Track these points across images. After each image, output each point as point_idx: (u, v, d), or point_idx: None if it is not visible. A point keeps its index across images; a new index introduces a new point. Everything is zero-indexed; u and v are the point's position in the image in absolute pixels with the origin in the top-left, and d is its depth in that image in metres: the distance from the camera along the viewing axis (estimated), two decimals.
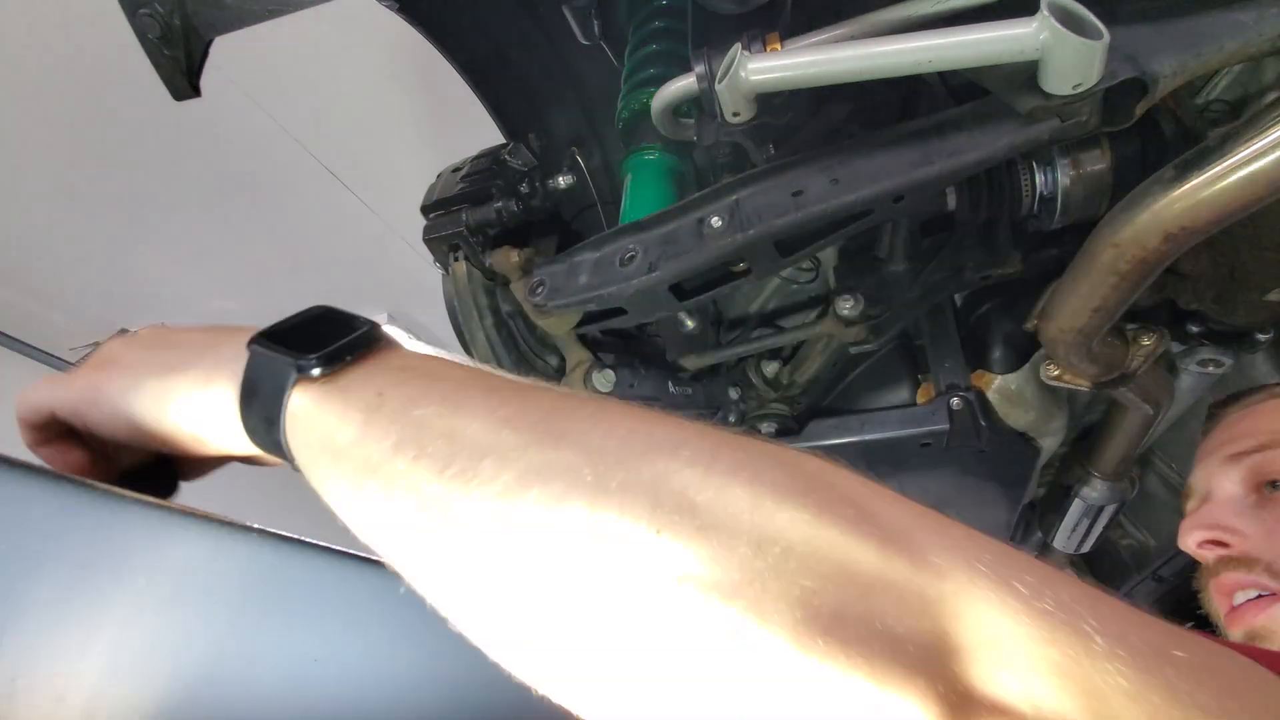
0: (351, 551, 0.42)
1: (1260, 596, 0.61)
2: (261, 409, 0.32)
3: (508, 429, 0.29)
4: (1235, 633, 0.62)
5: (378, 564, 0.44)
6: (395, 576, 0.45)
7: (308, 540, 0.40)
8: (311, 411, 0.31)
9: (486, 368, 0.35)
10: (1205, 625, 0.68)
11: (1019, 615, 0.25)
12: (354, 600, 0.41)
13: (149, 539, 0.30)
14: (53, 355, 4.60)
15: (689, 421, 0.30)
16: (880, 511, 0.28)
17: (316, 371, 0.31)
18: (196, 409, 0.35)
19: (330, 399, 0.31)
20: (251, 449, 0.34)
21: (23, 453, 0.26)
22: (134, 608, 0.29)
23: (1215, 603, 0.67)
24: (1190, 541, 0.68)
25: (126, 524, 0.29)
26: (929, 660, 0.24)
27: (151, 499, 0.30)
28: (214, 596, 0.32)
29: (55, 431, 0.39)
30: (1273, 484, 0.65)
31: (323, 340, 0.32)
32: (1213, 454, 0.72)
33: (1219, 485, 0.69)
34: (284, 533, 0.37)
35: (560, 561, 0.26)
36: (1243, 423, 0.72)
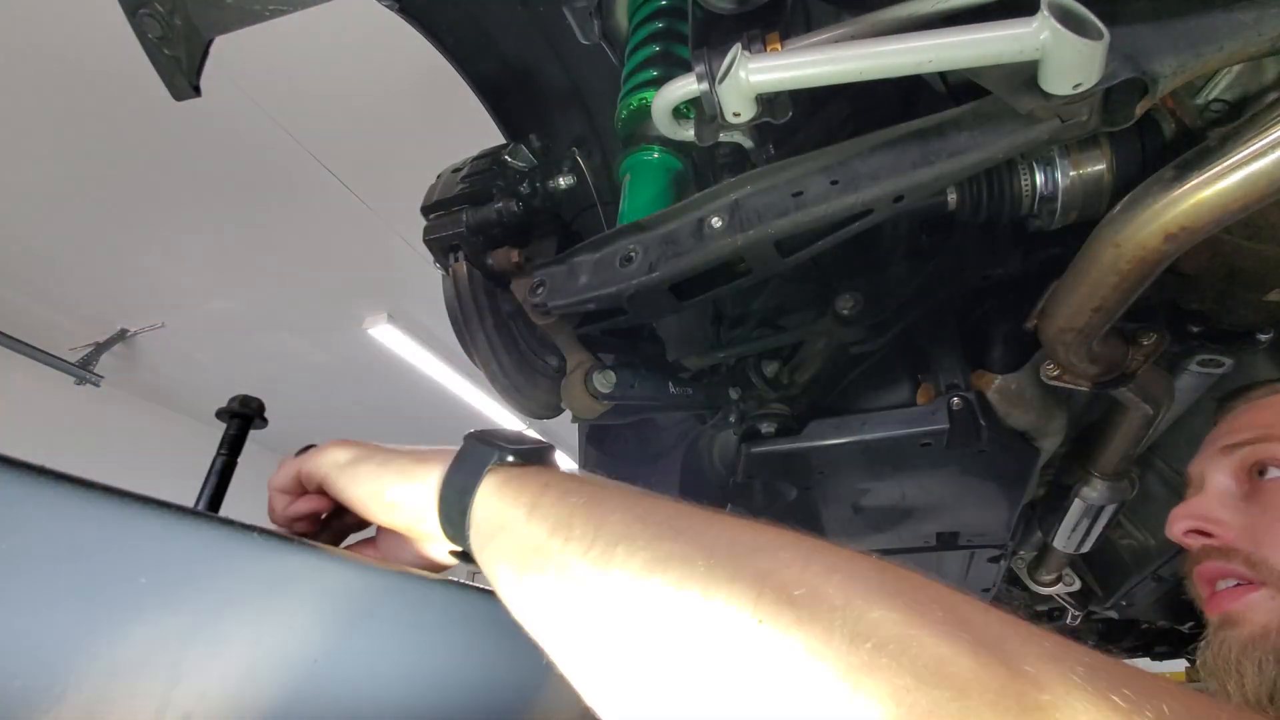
0: (348, 553, 0.42)
1: (1238, 585, 0.64)
2: (462, 480, 0.43)
3: (639, 523, 0.35)
4: (1213, 617, 0.65)
5: (379, 564, 0.44)
6: (395, 578, 0.45)
7: (307, 541, 0.40)
8: (498, 491, 0.41)
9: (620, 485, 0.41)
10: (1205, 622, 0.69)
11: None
12: (353, 600, 0.41)
13: (149, 539, 0.30)
14: (53, 355, 4.60)
15: (788, 529, 0.34)
16: (972, 617, 0.29)
17: (511, 459, 0.42)
18: (414, 476, 0.46)
19: (511, 483, 0.41)
20: (434, 531, 0.45)
21: (23, 453, 0.26)
22: (134, 607, 0.29)
23: (1197, 588, 0.69)
24: (1176, 530, 0.71)
25: (127, 524, 0.29)
26: None
27: (150, 497, 0.30)
28: (214, 596, 0.32)
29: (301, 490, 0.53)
30: (1260, 471, 0.67)
31: (517, 442, 0.44)
32: (1211, 445, 0.74)
33: (1212, 476, 0.71)
34: (284, 533, 0.37)
35: (674, 638, 0.30)
36: (1243, 416, 0.73)
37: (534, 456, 0.44)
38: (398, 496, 0.46)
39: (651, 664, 0.31)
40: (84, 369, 4.68)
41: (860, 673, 0.26)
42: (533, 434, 0.49)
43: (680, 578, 0.31)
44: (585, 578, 0.34)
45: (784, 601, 0.29)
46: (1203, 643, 0.66)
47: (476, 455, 0.43)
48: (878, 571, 0.31)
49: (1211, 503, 0.69)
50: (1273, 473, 0.67)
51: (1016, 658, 0.27)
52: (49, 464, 0.28)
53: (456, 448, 0.46)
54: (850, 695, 0.26)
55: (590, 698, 0.34)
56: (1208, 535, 0.68)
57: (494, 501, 0.41)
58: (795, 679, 0.27)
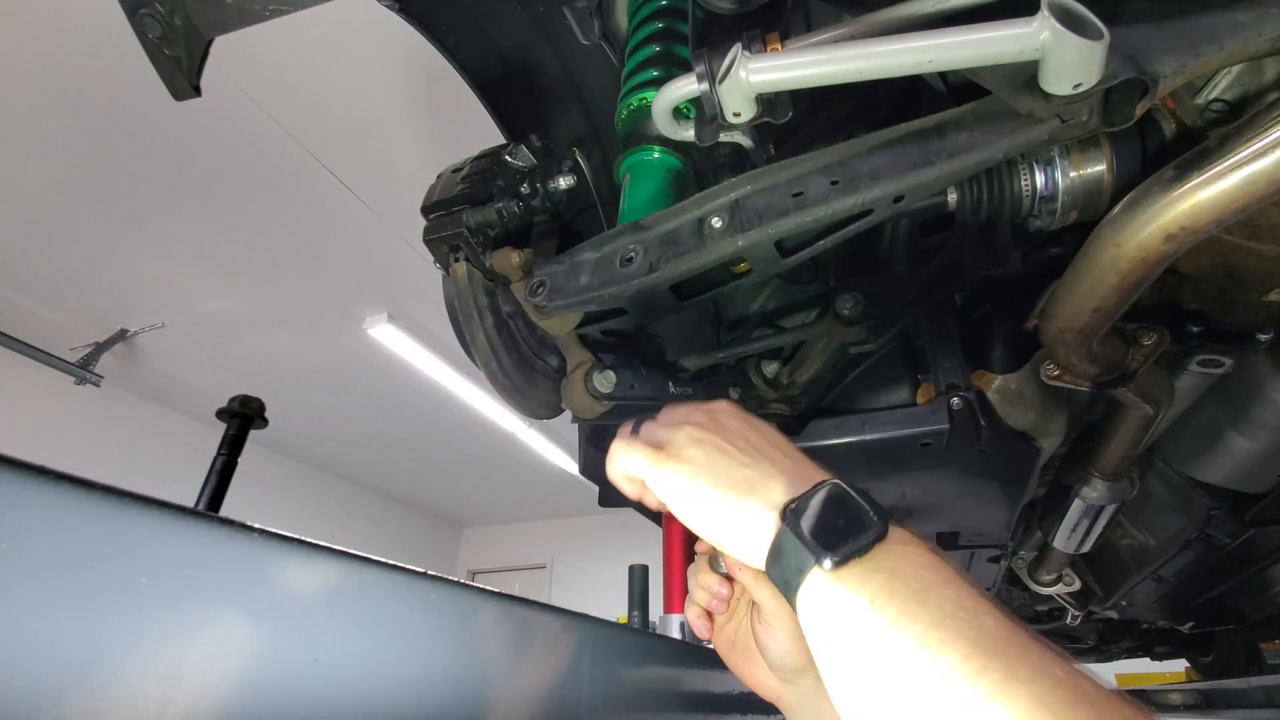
0: (351, 552, 0.42)
1: None
2: (783, 573, 0.43)
3: (965, 668, 0.35)
4: None
5: (377, 564, 0.44)
6: (395, 578, 0.45)
7: (307, 540, 0.40)
8: (825, 587, 0.40)
9: (965, 587, 0.40)
10: (1205, 623, 0.69)
11: None
12: (353, 600, 0.41)
13: (150, 539, 0.30)
14: (53, 355, 4.60)
15: (1115, 692, 0.35)
16: None
17: (828, 565, 0.41)
18: (736, 537, 0.46)
19: (843, 581, 0.40)
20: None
21: (23, 453, 0.26)
22: (135, 607, 0.29)
23: None
24: None
25: (127, 524, 0.29)
26: None
27: (151, 497, 0.30)
28: (215, 596, 0.32)
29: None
30: None
31: (836, 530, 0.42)
32: None
33: None
34: (285, 533, 0.37)
35: None
36: None
37: (862, 551, 0.41)
38: (729, 538, 0.47)
39: None
40: (84, 369, 4.68)
41: None
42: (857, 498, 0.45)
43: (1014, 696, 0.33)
44: (933, 680, 0.35)
45: None
46: None
47: (795, 553, 0.42)
48: None
49: None
50: None
51: None
52: (49, 464, 0.28)
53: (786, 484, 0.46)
54: None
55: None
56: None
57: (821, 600, 0.41)
58: None
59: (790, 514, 0.43)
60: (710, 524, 0.48)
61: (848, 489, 0.44)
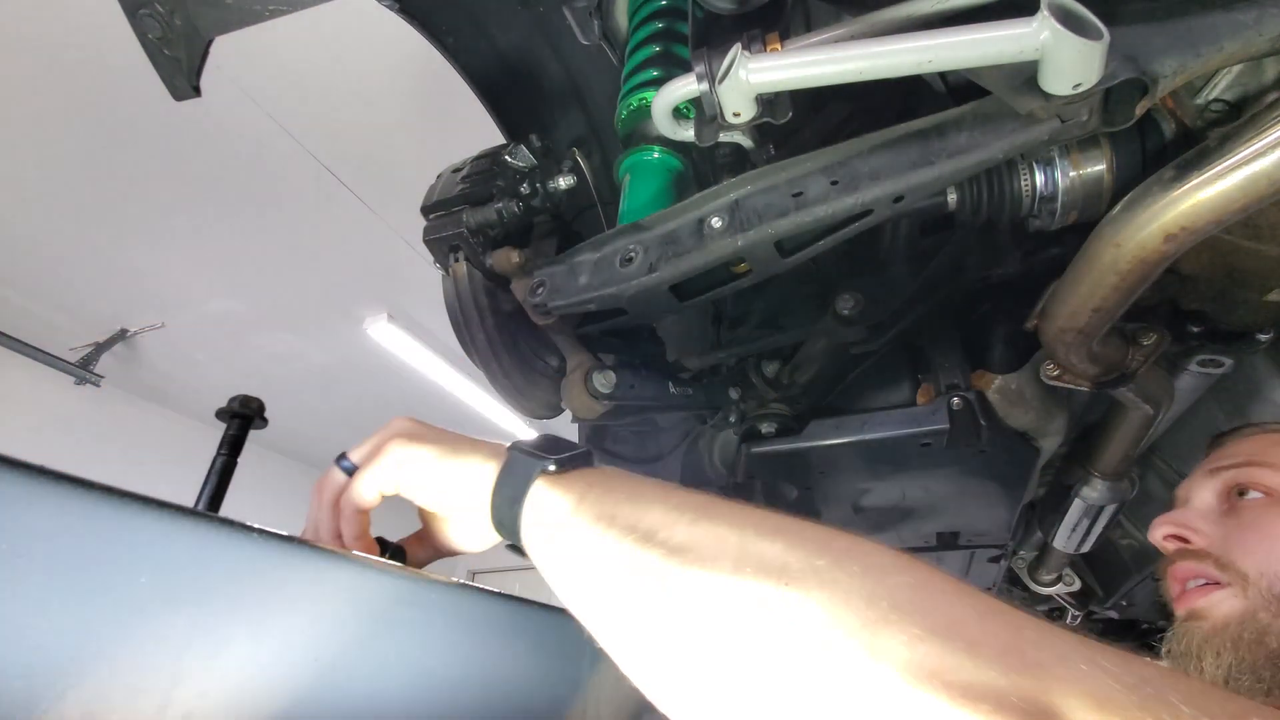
0: (350, 552, 0.42)
1: (1205, 584, 0.71)
2: (510, 490, 0.47)
3: (674, 511, 0.40)
4: (1180, 611, 0.73)
5: (377, 564, 0.44)
6: (396, 578, 0.45)
7: (307, 540, 0.40)
8: (545, 494, 0.46)
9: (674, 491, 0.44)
10: None
11: (1114, 685, 0.27)
12: (354, 600, 0.41)
13: (150, 539, 0.30)
14: (53, 355, 4.60)
15: (806, 521, 0.39)
16: (975, 592, 0.33)
17: (553, 468, 0.47)
18: (461, 487, 0.50)
19: (558, 486, 0.45)
20: (483, 529, 0.51)
21: (23, 453, 0.26)
22: (135, 607, 0.29)
23: (1170, 587, 0.76)
24: (1157, 535, 0.79)
25: (127, 524, 0.29)
26: (1032, 712, 0.26)
27: (151, 497, 0.30)
28: (215, 596, 0.32)
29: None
30: (1241, 492, 0.75)
31: (556, 450, 0.48)
32: (1199, 470, 0.82)
33: (1197, 494, 0.79)
34: (284, 533, 0.37)
35: (708, 606, 0.35)
36: (1230, 446, 0.81)
37: (576, 462, 0.48)
38: (454, 499, 0.51)
39: (689, 632, 0.35)
40: (84, 369, 4.68)
41: (876, 625, 0.30)
42: (568, 439, 0.52)
43: (714, 553, 0.36)
44: (626, 558, 0.39)
45: (808, 569, 0.33)
46: (1169, 635, 0.73)
47: (524, 467, 0.48)
48: (892, 553, 0.35)
49: (1192, 514, 0.77)
50: (1252, 494, 0.74)
51: (1020, 626, 0.30)
52: (49, 464, 0.28)
53: (504, 446, 0.51)
54: (868, 644, 0.29)
55: (633, 673, 0.39)
56: (1185, 541, 0.76)
57: (540, 507, 0.46)
58: (817, 633, 0.31)
59: (517, 446, 0.50)
60: (436, 483, 0.51)
61: (560, 436, 0.51)
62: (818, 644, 0.31)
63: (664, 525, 0.39)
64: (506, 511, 0.47)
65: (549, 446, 0.49)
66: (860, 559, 0.34)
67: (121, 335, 4.62)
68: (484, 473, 0.49)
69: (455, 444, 0.52)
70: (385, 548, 0.57)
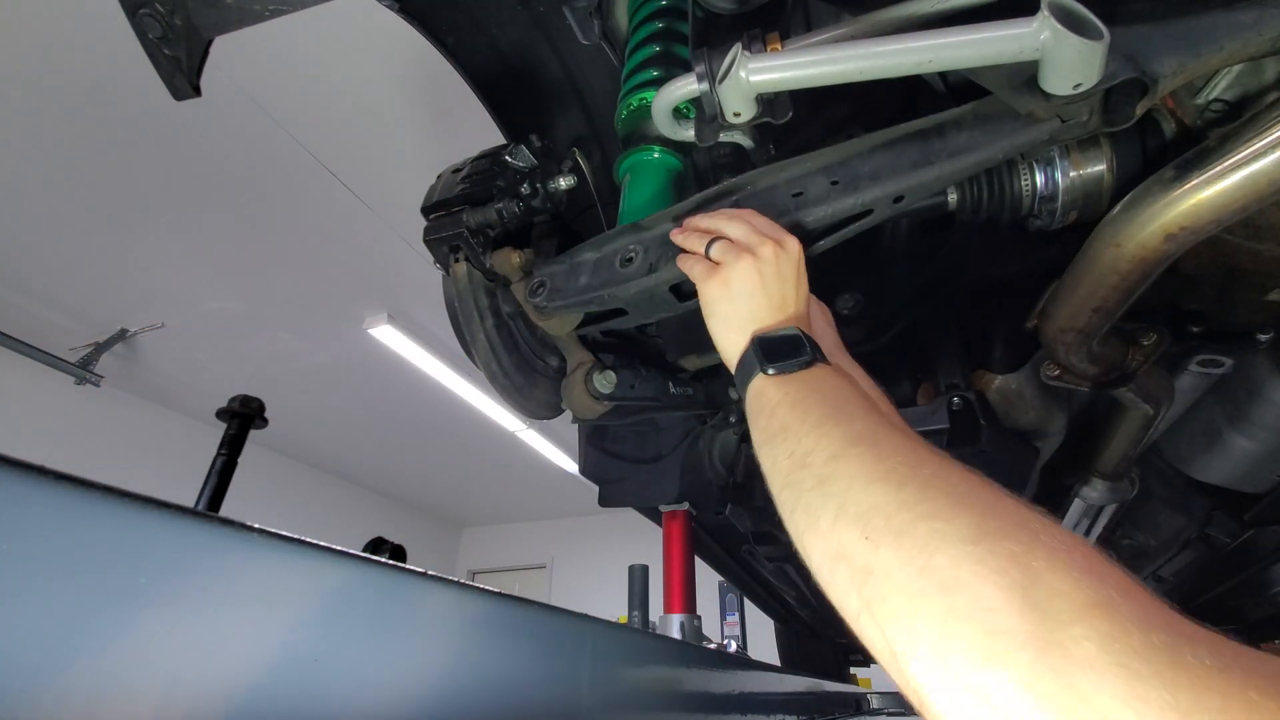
0: (351, 552, 0.42)
1: None
2: (741, 375, 0.62)
3: (836, 440, 0.49)
4: None
5: (377, 564, 0.44)
6: (396, 577, 0.45)
7: (307, 540, 0.40)
8: (756, 392, 0.59)
9: (855, 401, 0.55)
10: (1205, 622, 0.71)
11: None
12: (354, 600, 0.41)
13: (149, 538, 0.30)
14: (53, 355, 4.60)
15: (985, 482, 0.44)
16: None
17: (769, 371, 0.58)
18: (726, 344, 0.66)
19: (764, 391, 0.58)
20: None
21: (23, 452, 0.26)
22: (134, 607, 0.29)
23: None
24: None
25: (127, 524, 0.29)
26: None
27: (150, 497, 0.30)
28: (214, 595, 0.32)
29: None
30: None
31: (781, 353, 0.60)
32: None
33: None
34: (284, 532, 0.37)
35: (810, 541, 0.45)
36: None
37: (790, 369, 0.58)
38: (724, 350, 0.66)
39: (809, 547, 0.45)
40: (84, 369, 4.68)
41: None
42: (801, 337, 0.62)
43: (843, 486, 0.45)
44: (784, 475, 0.50)
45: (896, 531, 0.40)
46: None
47: (751, 360, 0.60)
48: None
49: None
50: None
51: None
52: (49, 463, 0.28)
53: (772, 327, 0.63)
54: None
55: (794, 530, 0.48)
56: None
57: (755, 398, 0.58)
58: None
59: (757, 339, 0.61)
60: (717, 327, 0.66)
61: (801, 332, 0.61)
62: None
63: (817, 449, 0.48)
64: (741, 382, 0.61)
65: (775, 352, 0.60)
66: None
67: (121, 335, 4.62)
68: (738, 345, 0.63)
69: (745, 308, 0.64)
70: (384, 547, 0.57)
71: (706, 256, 0.68)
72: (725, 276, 0.65)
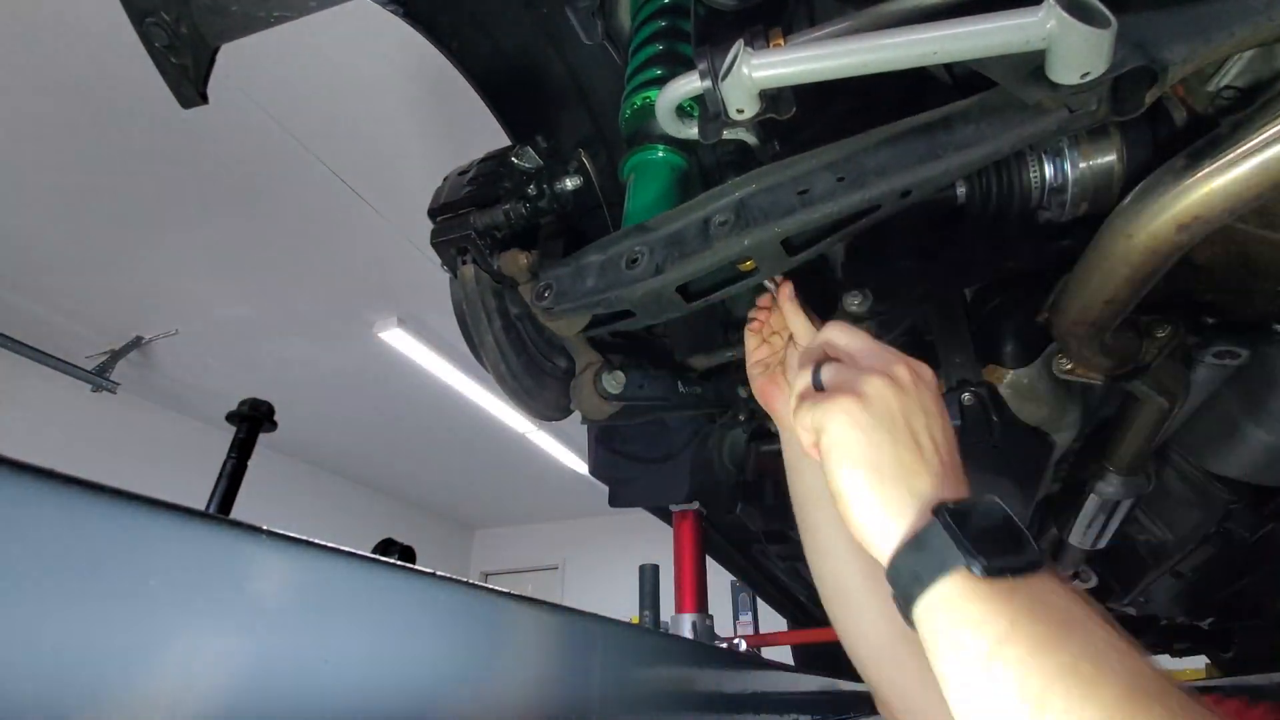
0: (362, 554, 0.42)
1: None
2: (915, 566, 0.41)
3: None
4: None
5: (388, 565, 0.44)
6: (405, 579, 0.45)
7: (318, 542, 0.40)
8: (954, 602, 0.39)
9: (1114, 628, 0.38)
10: (1224, 618, 0.69)
11: None
12: (364, 602, 0.41)
13: (160, 541, 0.30)
14: (70, 363, 4.67)
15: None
16: None
17: (978, 571, 0.38)
18: (870, 513, 0.45)
19: (972, 603, 0.38)
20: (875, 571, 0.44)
21: (41, 458, 0.27)
22: (145, 610, 0.29)
23: None
24: None
25: (139, 527, 0.30)
26: None
27: (161, 500, 0.30)
28: (225, 597, 0.32)
29: None
30: None
31: (993, 542, 0.39)
32: None
33: None
34: (295, 535, 0.37)
35: None
36: None
37: (1016, 574, 0.39)
38: (860, 515, 0.45)
39: None
40: (100, 376, 4.74)
41: None
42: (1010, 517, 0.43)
43: None
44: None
45: None
46: None
47: (941, 548, 0.40)
48: None
49: None
50: None
51: None
52: (66, 469, 0.28)
53: (937, 494, 0.44)
54: None
55: None
56: None
57: (947, 613, 0.39)
58: None
59: (946, 511, 0.41)
60: (850, 487, 0.46)
61: (1010, 512, 0.42)
62: None
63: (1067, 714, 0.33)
64: (904, 583, 0.41)
65: (987, 537, 0.40)
66: None
67: (136, 343, 4.68)
68: (894, 517, 0.43)
69: (893, 456, 0.45)
70: (394, 548, 0.57)
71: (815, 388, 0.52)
72: (854, 404, 0.47)
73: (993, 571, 0.38)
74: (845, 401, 0.47)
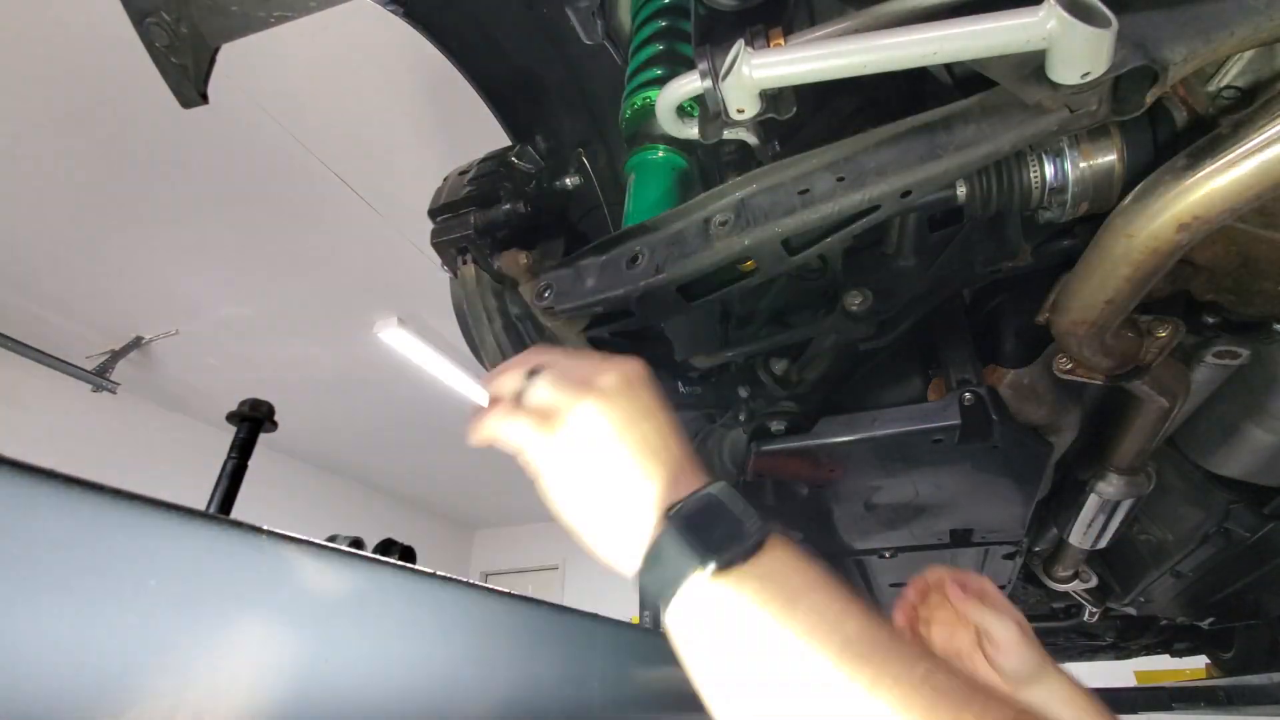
0: (363, 554, 0.42)
1: None
2: (659, 577, 0.42)
3: (807, 678, 0.37)
4: None
5: (389, 565, 0.44)
6: (404, 578, 0.45)
7: (319, 542, 0.40)
8: (695, 606, 0.40)
9: (833, 591, 0.41)
10: (1225, 618, 0.69)
11: None
12: (363, 601, 0.41)
13: (161, 541, 0.30)
14: (70, 363, 4.67)
15: (977, 685, 0.37)
16: None
17: (711, 570, 0.40)
18: (610, 539, 0.45)
19: (710, 605, 0.40)
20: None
21: (41, 458, 0.27)
22: (145, 610, 0.29)
23: None
24: None
25: (139, 527, 0.30)
26: None
27: (161, 500, 0.30)
28: (225, 597, 0.32)
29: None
30: None
31: (722, 534, 0.41)
32: None
33: None
34: (296, 535, 0.37)
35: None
36: None
37: (745, 558, 0.41)
38: (597, 549, 0.45)
39: None
40: (100, 376, 4.74)
41: None
42: (746, 507, 0.44)
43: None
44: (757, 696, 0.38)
45: None
46: None
47: (678, 555, 0.41)
48: None
49: None
50: None
51: None
52: (66, 469, 0.28)
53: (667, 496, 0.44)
54: None
55: None
56: None
57: (688, 618, 0.41)
58: None
59: (672, 517, 0.42)
60: (585, 522, 0.45)
61: (729, 493, 0.43)
62: None
63: (795, 683, 0.37)
64: (657, 590, 0.42)
65: (711, 532, 0.41)
66: None
67: (136, 343, 4.68)
68: (634, 534, 0.43)
69: (619, 472, 0.44)
70: (394, 548, 0.57)
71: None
72: (560, 442, 0.45)
73: (722, 566, 0.40)
74: (551, 440, 0.45)
